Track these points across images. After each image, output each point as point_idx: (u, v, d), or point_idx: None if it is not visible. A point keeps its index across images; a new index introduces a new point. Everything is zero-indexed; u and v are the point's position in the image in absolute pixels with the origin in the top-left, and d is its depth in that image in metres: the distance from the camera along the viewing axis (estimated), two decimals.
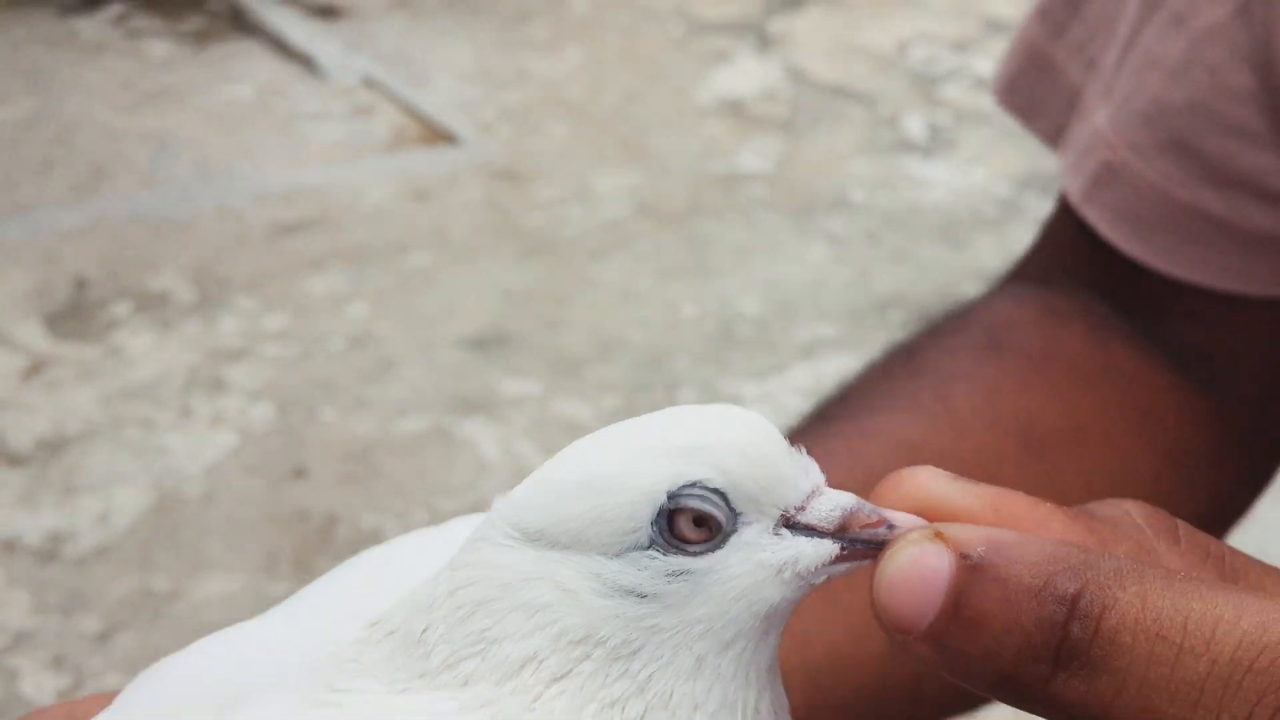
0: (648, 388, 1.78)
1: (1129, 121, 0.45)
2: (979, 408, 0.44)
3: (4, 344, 1.72)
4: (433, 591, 0.25)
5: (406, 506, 1.54)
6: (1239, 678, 0.21)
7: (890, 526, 0.25)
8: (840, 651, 0.38)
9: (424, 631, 0.25)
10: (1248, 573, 0.25)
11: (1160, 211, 0.45)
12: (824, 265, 2.08)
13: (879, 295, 2.03)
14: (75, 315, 1.79)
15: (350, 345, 1.79)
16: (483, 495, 1.57)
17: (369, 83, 2.44)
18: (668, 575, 0.25)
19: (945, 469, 0.43)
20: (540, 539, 0.25)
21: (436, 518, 1.53)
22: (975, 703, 0.42)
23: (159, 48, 2.51)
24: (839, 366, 1.88)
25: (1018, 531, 0.24)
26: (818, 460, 0.43)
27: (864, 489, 0.41)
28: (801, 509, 0.26)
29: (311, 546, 1.48)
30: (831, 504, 0.26)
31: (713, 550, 0.25)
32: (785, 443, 0.26)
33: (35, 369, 1.69)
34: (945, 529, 0.24)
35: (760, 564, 0.25)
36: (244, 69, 2.46)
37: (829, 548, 0.26)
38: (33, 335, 1.74)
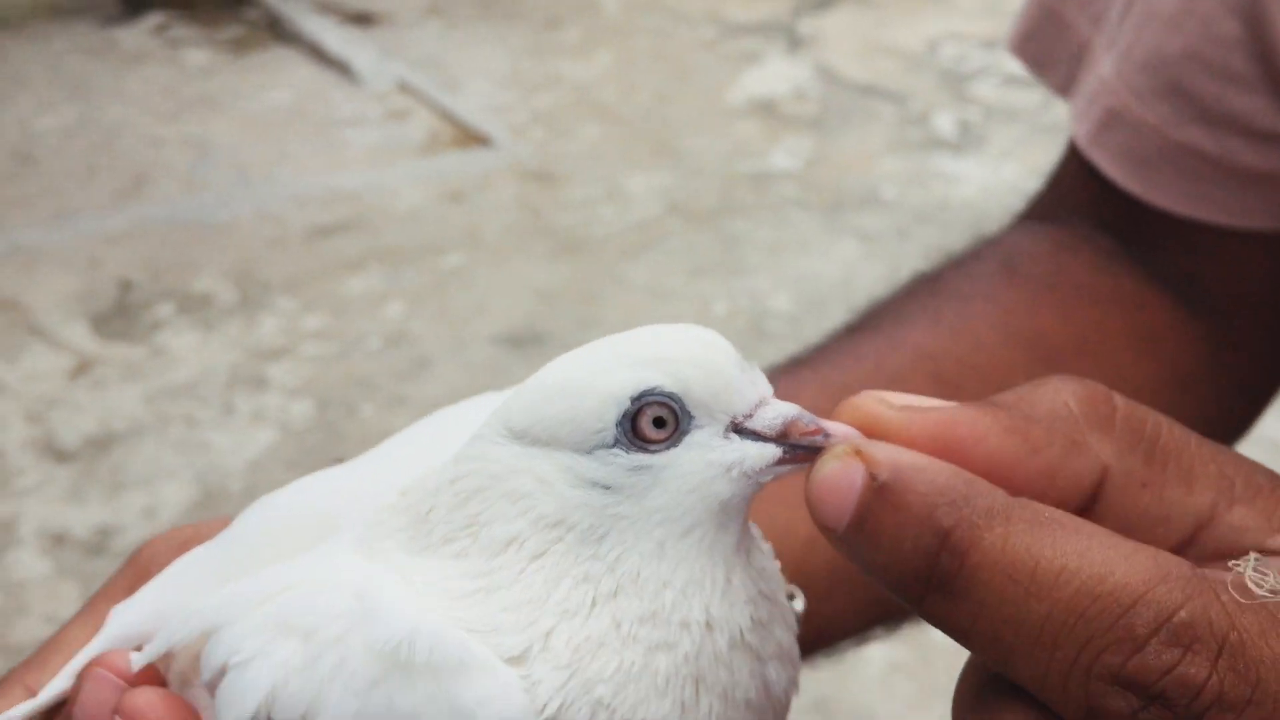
0: None
1: (1131, 69, 0.49)
2: (995, 324, 0.48)
3: (52, 345, 1.77)
4: (439, 477, 0.29)
5: None
6: (1072, 622, 0.24)
7: (826, 435, 0.28)
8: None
9: (429, 512, 0.29)
10: (1181, 453, 0.27)
11: (1159, 152, 0.49)
12: (855, 262, 2.09)
13: None
14: (120, 316, 1.83)
15: (387, 344, 1.82)
16: None
17: (404, 88, 2.48)
18: (629, 470, 0.29)
19: (963, 377, 0.46)
20: (525, 436, 0.29)
21: None
22: None
23: (198, 56, 2.56)
24: None
25: (923, 457, 0.26)
26: (849, 366, 0.46)
27: (888, 389, 0.45)
28: (749, 416, 0.29)
29: None
30: (774, 413, 0.29)
31: (669, 448, 0.29)
32: (737, 358, 0.29)
33: (82, 369, 1.73)
34: (866, 446, 0.27)
35: (710, 462, 0.29)
36: (281, 76, 2.50)
37: (772, 451, 0.29)
38: (79, 336, 1.79)
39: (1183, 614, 0.24)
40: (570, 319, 1.90)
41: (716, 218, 2.17)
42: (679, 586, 0.29)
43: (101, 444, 1.61)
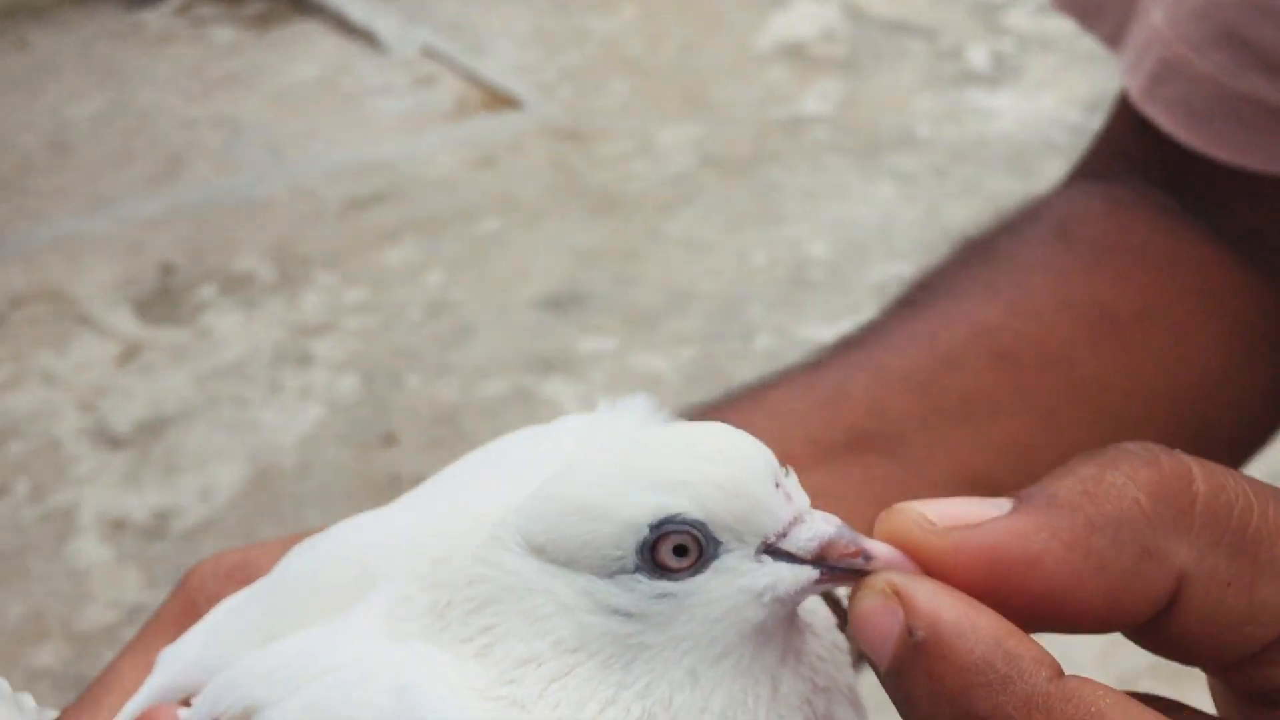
0: (723, 337, 1.80)
1: (1184, 17, 0.47)
2: (1052, 293, 0.46)
3: (98, 333, 1.79)
4: (456, 573, 0.28)
5: None
6: None
7: (867, 557, 0.26)
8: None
9: (447, 605, 0.28)
10: (1275, 539, 0.25)
11: (1217, 102, 0.47)
12: (893, 204, 2.07)
13: (950, 230, 2.02)
14: (164, 300, 1.85)
15: (429, 313, 1.82)
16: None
17: (430, 53, 2.47)
18: (653, 597, 0.27)
19: (1022, 351, 0.44)
20: (543, 553, 0.27)
21: None
22: None
23: (223, 34, 2.56)
24: None
25: (967, 611, 0.24)
26: (904, 347, 0.44)
27: (945, 371, 0.43)
28: (783, 535, 0.27)
29: None
30: (810, 533, 0.27)
31: (695, 574, 0.27)
32: (768, 471, 0.27)
33: (129, 354, 1.75)
34: (906, 587, 0.25)
35: (740, 589, 0.27)
36: (307, 49, 2.50)
37: (808, 573, 0.27)
38: (125, 322, 1.80)
39: None
40: (610, 278, 1.90)
41: (751, 167, 2.15)
42: (717, 711, 0.27)
43: (153, 428, 1.63)
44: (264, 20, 2.61)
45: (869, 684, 0.30)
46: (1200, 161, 0.48)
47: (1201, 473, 0.25)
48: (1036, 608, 0.25)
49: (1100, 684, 0.24)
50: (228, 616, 0.30)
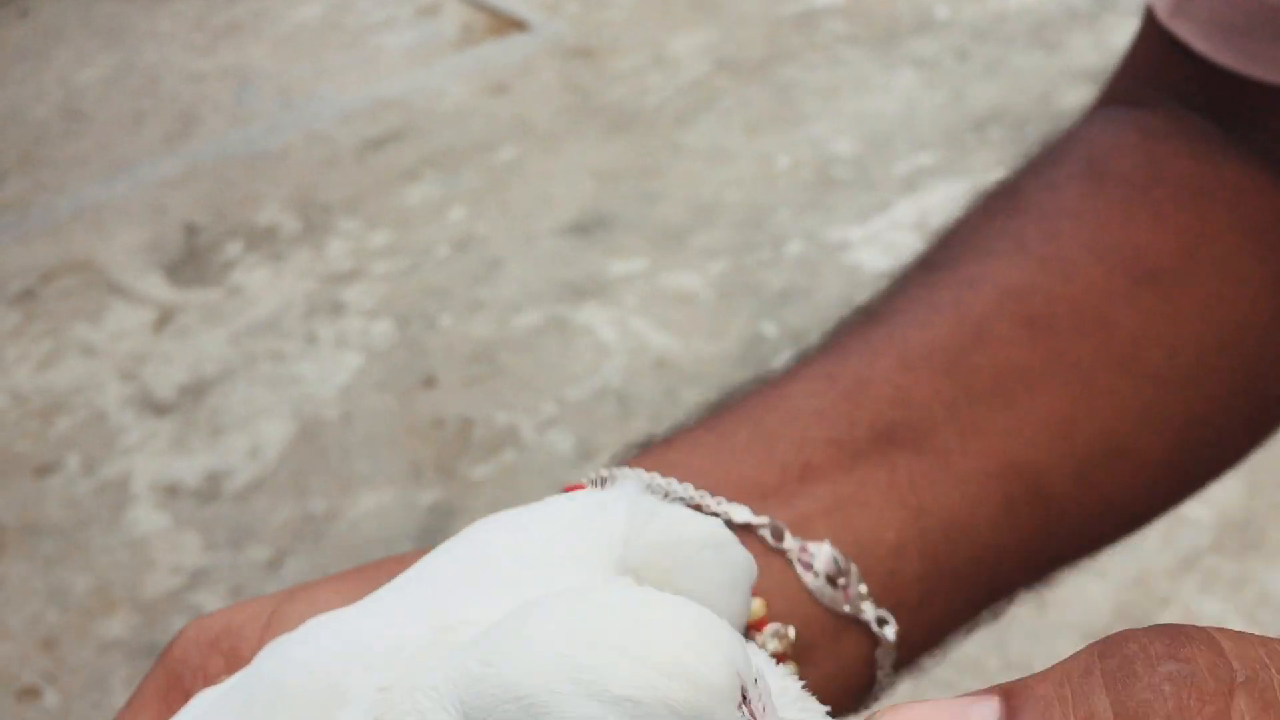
0: (752, 248, 1.78)
1: None
2: (1086, 244, 0.43)
3: (131, 300, 1.79)
4: (396, 712, 0.27)
5: (535, 400, 1.58)
6: None
7: None
8: (956, 519, 0.38)
9: None
10: None
11: (1252, 16, 0.43)
12: (915, 92, 2.03)
13: (976, 114, 1.98)
14: (192, 262, 1.85)
15: (455, 250, 1.81)
16: (606, 379, 1.60)
17: None
18: None
19: (1055, 315, 0.41)
20: None
21: (565, 408, 1.56)
22: (1093, 552, 0.43)
23: None
24: (944, 195, 1.85)
25: None
26: (927, 320, 0.41)
27: (973, 346, 0.41)
28: None
29: (451, 451, 1.53)
30: None
31: None
32: (735, 691, 0.24)
33: (164, 319, 1.76)
34: None
35: None
36: None
37: None
38: (156, 287, 1.81)
39: None
40: (633, 197, 1.88)
41: (766, 68, 2.11)
42: None
43: (196, 391, 1.64)
44: None
45: None
46: (1236, 81, 0.45)
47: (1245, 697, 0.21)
48: None
49: None
50: (205, 717, 0.29)
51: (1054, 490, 0.39)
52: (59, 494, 1.53)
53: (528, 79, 2.15)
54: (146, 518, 1.49)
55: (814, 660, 0.35)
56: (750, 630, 0.33)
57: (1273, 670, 0.21)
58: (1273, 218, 0.45)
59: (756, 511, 0.35)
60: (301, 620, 0.30)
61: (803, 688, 0.28)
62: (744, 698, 0.24)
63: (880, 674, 0.37)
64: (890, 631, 0.36)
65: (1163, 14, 0.46)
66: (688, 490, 0.36)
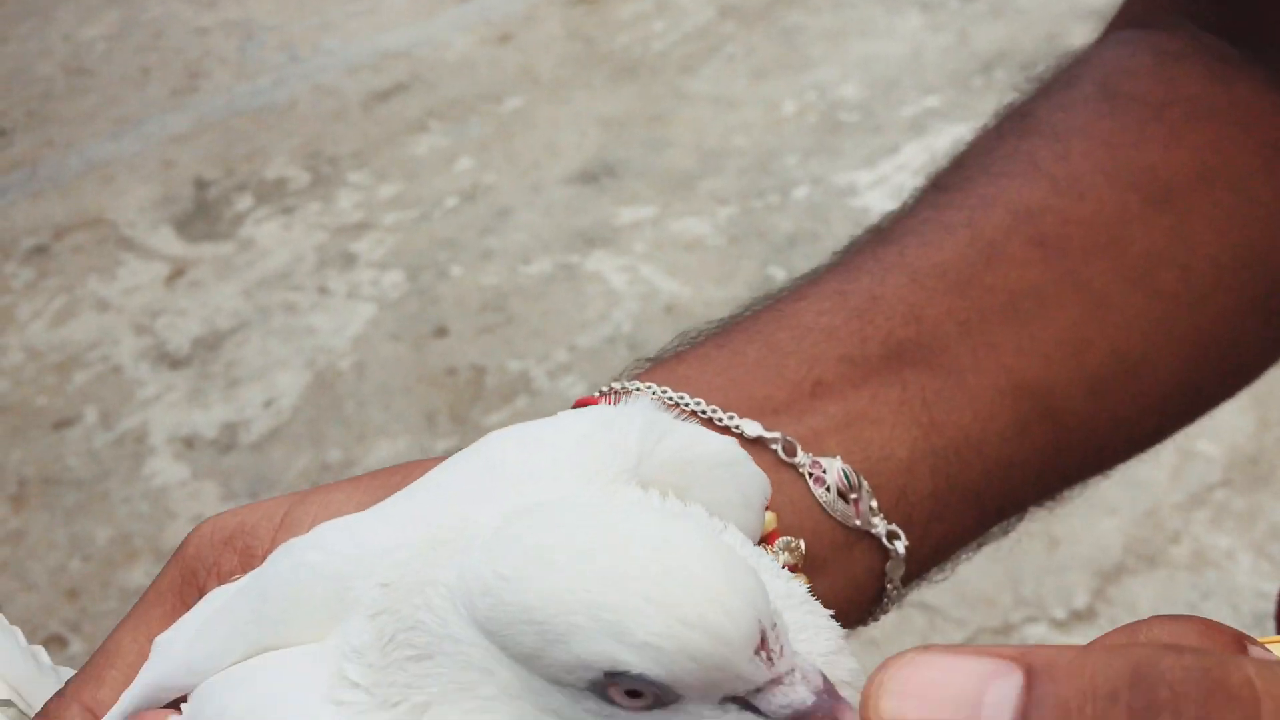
0: (761, 193, 1.78)
1: None
2: (1099, 164, 0.43)
3: (143, 255, 1.80)
4: (400, 605, 0.27)
5: (547, 348, 1.59)
6: None
7: None
8: (968, 436, 0.38)
9: (386, 644, 0.27)
10: None
11: None
12: (920, 34, 2.02)
13: (982, 56, 1.97)
14: (202, 216, 1.85)
15: (464, 200, 1.82)
16: (617, 325, 1.61)
17: None
18: (601, 717, 0.25)
19: (1068, 236, 0.41)
20: (492, 636, 0.26)
21: (576, 354, 1.57)
22: (1104, 471, 0.43)
23: None
24: (951, 138, 1.84)
25: None
26: (939, 241, 0.41)
27: (986, 266, 0.40)
28: (756, 692, 0.25)
29: (465, 399, 1.54)
30: (785, 700, 0.25)
31: (649, 710, 0.25)
32: (754, 639, 0.24)
33: (177, 274, 1.77)
34: None
35: None
36: None
37: None
38: (167, 242, 1.82)
39: None
40: (640, 144, 1.88)
41: (770, 12, 2.10)
42: None
43: (210, 344, 1.66)
44: None
45: None
46: (1251, 1, 0.44)
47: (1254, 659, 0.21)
48: None
49: None
50: (218, 614, 0.30)
51: (1066, 408, 0.40)
52: (78, 447, 1.54)
53: (532, 28, 2.14)
54: (165, 469, 1.50)
55: (824, 573, 0.35)
56: (761, 544, 0.33)
57: None
58: None
59: (768, 427, 0.36)
60: (314, 522, 0.31)
61: (809, 592, 0.29)
62: (763, 640, 0.25)
63: (889, 587, 0.37)
64: (900, 546, 0.36)
65: None
66: (699, 405, 0.36)
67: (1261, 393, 1.43)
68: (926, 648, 0.22)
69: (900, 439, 0.37)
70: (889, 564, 0.37)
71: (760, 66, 1.99)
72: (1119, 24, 0.49)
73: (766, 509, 0.32)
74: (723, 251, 1.69)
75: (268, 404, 1.57)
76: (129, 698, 0.31)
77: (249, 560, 0.32)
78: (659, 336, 1.59)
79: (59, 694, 0.32)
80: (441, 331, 1.63)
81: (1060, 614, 1.28)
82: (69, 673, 0.33)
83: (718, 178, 1.81)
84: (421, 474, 0.31)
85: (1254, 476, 1.41)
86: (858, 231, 0.44)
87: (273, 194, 1.87)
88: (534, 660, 0.25)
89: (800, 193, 1.77)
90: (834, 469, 0.36)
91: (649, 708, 0.25)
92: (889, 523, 0.36)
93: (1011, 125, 0.45)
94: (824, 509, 0.35)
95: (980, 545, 0.41)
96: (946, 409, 0.38)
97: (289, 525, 0.32)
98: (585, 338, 1.59)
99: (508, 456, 0.29)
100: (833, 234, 1.67)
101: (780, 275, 1.64)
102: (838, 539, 0.36)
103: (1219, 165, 0.43)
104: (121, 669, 0.31)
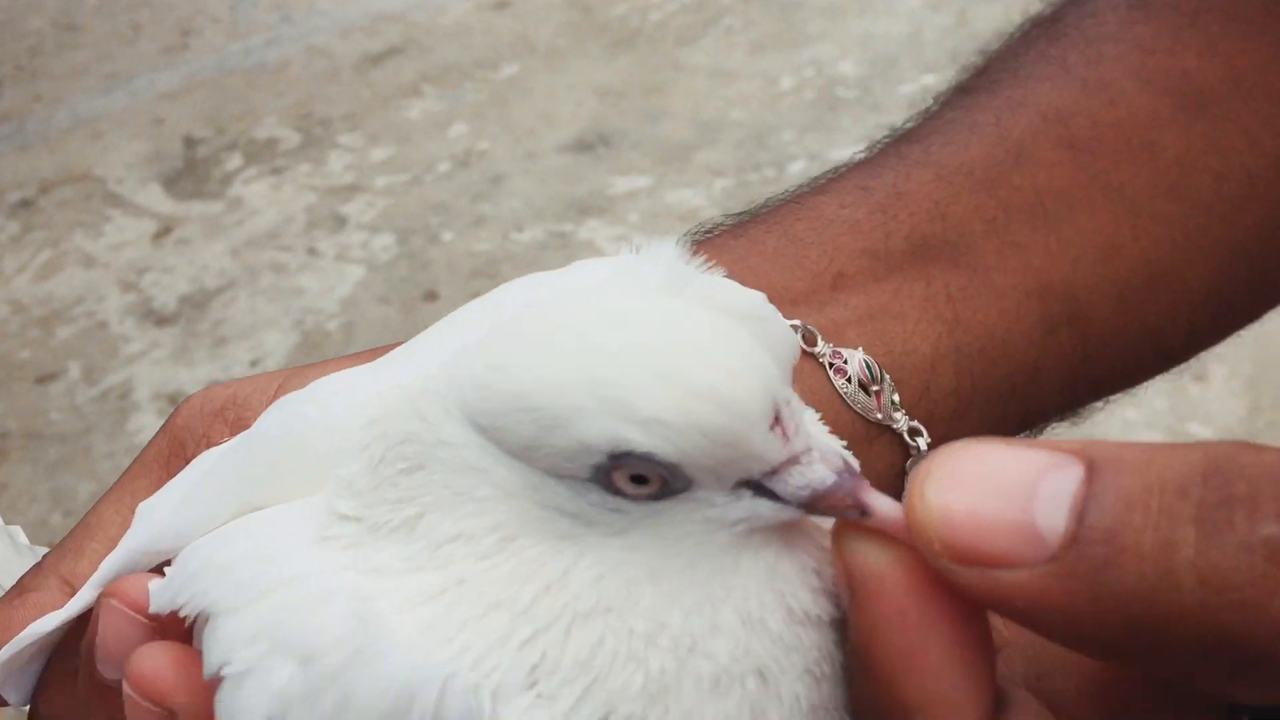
0: (757, 166, 1.77)
1: None
2: (1131, 69, 0.42)
3: (130, 212, 1.78)
4: (391, 425, 0.25)
5: None
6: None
7: (864, 512, 0.22)
8: (993, 336, 0.37)
9: (376, 466, 0.25)
10: None
11: None
12: (920, 12, 2.01)
13: (982, 36, 1.96)
14: (191, 174, 1.83)
15: (457, 165, 1.80)
16: None
17: None
18: (607, 509, 0.23)
19: (1099, 138, 0.40)
20: (486, 433, 0.24)
21: None
22: (1130, 383, 0.42)
23: None
24: None
25: (914, 641, 0.20)
26: (965, 140, 0.39)
27: (1013, 165, 0.39)
28: (771, 474, 0.23)
29: None
30: (803, 480, 0.23)
31: (657, 500, 0.23)
32: (768, 413, 0.23)
33: (165, 231, 1.75)
34: (871, 585, 0.21)
35: (707, 518, 0.23)
36: None
37: (791, 513, 0.23)
38: (155, 199, 1.80)
39: None
40: (636, 115, 1.86)
41: None
42: (687, 605, 0.23)
43: (197, 302, 1.64)
44: None
45: None
46: None
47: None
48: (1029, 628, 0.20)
49: None
50: (205, 477, 0.29)
51: (1094, 314, 0.39)
52: (61, 402, 1.53)
53: None
54: (149, 425, 1.49)
55: None
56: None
57: None
58: None
59: (787, 315, 0.34)
60: None
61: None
62: (776, 418, 0.23)
63: None
64: (923, 443, 0.35)
65: None
66: None
67: (1255, 376, 1.43)
68: (982, 439, 0.21)
69: (923, 335, 0.36)
70: (909, 462, 0.36)
71: (758, 40, 1.98)
72: None
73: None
74: None
75: (254, 363, 1.55)
76: (109, 563, 0.29)
77: (240, 430, 0.30)
78: None
79: (36, 566, 0.31)
80: (431, 295, 1.62)
81: None
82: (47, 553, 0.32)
83: (713, 150, 1.80)
84: None
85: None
86: None
87: (263, 154, 1.85)
88: (532, 452, 0.23)
89: (796, 167, 1.76)
90: (855, 360, 0.35)
91: (656, 496, 0.23)
92: (911, 419, 0.35)
93: (1039, 32, 0.44)
94: (844, 400, 0.34)
95: None
96: (971, 307, 0.37)
97: (284, 395, 0.31)
98: None
99: (519, 300, 0.28)
100: None
101: None
102: (858, 432, 0.35)
103: (1253, 74, 0.42)
104: (102, 541, 0.30)
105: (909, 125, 0.42)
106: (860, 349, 0.35)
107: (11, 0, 2.25)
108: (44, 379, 1.56)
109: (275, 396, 0.31)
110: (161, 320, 1.62)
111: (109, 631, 0.28)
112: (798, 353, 0.30)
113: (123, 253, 1.72)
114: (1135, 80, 0.42)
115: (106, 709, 0.29)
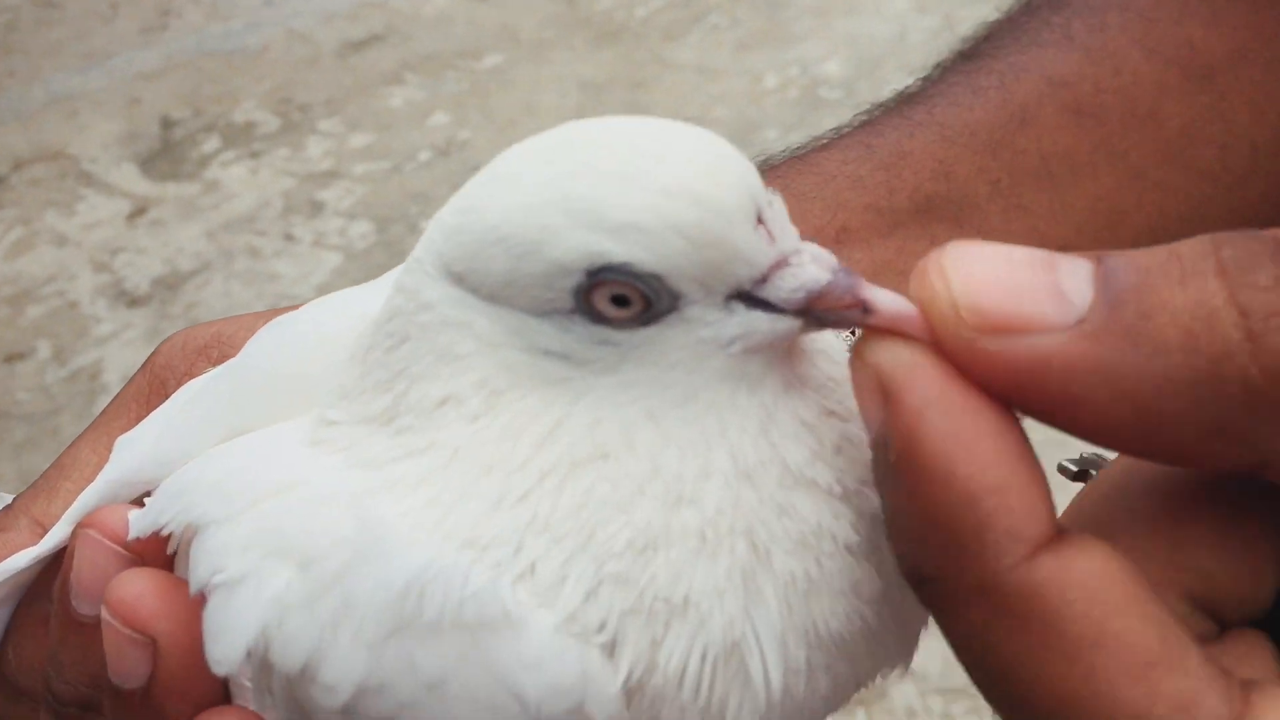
0: None
1: None
2: (1136, 38, 0.41)
3: (105, 191, 1.76)
4: (375, 320, 0.24)
5: None
6: None
7: (867, 310, 0.21)
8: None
9: (364, 354, 0.24)
10: None
11: None
12: (906, 15, 2.01)
13: (966, 39, 1.97)
14: (167, 155, 1.81)
15: (437, 155, 1.79)
16: None
17: None
18: (594, 343, 0.22)
19: (1104, 106, 0.39)
20: (462, 282, 0.23)
21: None
22: None
23: None
24: None
25: (957, 442, 0.19)
26: (969, 102, 0.39)
27: (1018, 128, 0.39)
28: (761, 281, 0.22)
29: None
30: (796, 282, 0.21)
31: (644, 326, 0.22)
32: (750, 211, 0.21)
33: (139, 212, 1.73)
34: (895, 383, 0.19)
35: (700, 340, 0.22)
36: None
37: (788, 324, 0.22)
38: (130, 179, 1.78)
39: None
40: (620, 109, 1.85)
41: None
42: (683, 444, 0.22)
43: (170, 284, 1.62)
44: None
45: None
46: None
47: None
48: (1067, 427, 0.19)
49: (1084, 571, 0.19)
50: (190, 405, 0.27)
51: None
52: (30, 381, 1.50)
53: None
54: None
55: None
56: None
57: None
58: None
59: None
60: None
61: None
62: (760, 219, 0.22)
63: None
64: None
65: None
66: None
67: None
68: (990, 243, 0.20)
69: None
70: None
71: (744, 38, 1.98)
72: None
73: None
74: None
75: None
76: (85, 496, 0.28)
77: None
78: None
79: (6, 507, 0.29)
80: None
81: None
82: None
83: None
84: None
85: None
86: None
87: (240, 137, 1.83)
88: (509, 290, 0.22)
89: None
90: None
91: (644, 320, 0.22)
92: None
93: (1043, 1, 0.43)
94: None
95: None
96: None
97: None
98: None
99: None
100: None
101: None
102: None
103: (1258, 45, 0.42)
104: (77, 481, 0.29)
105: (911, 89, 0.41)
106: None
107: None
108: (12, 358, 1.53)
109: None
110: (134, 301, 1.60)
111: (85, 563, 0.26)
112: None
113: (96, 232, 1.69)
114: (1140, 49, 0.41)
115: (82, 649, 0.27)
